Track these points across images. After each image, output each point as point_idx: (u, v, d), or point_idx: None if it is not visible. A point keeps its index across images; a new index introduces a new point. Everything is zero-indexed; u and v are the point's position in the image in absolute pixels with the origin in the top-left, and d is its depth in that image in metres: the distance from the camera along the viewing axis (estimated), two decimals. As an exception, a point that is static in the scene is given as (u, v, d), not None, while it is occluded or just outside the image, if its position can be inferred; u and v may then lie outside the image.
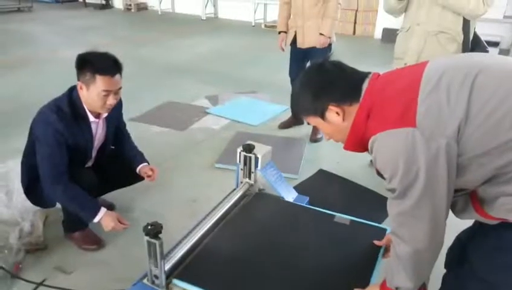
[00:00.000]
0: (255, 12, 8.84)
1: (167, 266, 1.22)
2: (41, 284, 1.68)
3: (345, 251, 1.37)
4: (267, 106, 3.88)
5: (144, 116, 3.57)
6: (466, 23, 2.21)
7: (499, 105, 0.91)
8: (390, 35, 7.08)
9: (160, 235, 1.12)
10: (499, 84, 0.93)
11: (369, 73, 1.11)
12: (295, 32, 3.04)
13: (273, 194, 1.76)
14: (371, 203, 2.33)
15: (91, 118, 1.79)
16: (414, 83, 0.98)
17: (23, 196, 2.10)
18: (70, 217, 1.88)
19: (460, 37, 2.24)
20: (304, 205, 1.70)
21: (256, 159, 1.67)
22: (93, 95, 1.67)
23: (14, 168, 2.34)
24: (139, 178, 2.06)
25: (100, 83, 1.64)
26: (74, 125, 1.73)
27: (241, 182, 1.75)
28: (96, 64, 1.64)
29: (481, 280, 1.05)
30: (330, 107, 1.09)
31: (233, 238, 1.43)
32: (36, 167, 1.74)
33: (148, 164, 2.05)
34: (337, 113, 1.09)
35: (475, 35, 2.31)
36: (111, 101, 1.70)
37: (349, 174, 2.65)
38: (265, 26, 8.48)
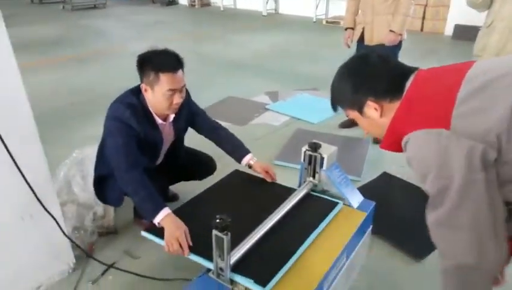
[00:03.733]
0: (316, 7, 8.70)
1: (232, 260, 1.24)
2: (111, 266, 1.79)
3: (296, 216, 1.57)
4: (328, 104, 3.79)
5: (206, 110, 3.63)
6: None
7: None
8: (463, 32, 6.59)
9: (228, 230, 1.14)
10: None
11: (416, 69, 1.04)
12: (363, 28, 2.93)
13: (246, 172, 1.91)
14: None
15: (158, 120, 1.76)
16: (455, 83, 0.91)
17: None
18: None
19: None
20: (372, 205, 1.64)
21: (322, 158, 1.62)
22: (158, 96, 1.63)
23: (89, 154, 2.52)
24: (209, 173, 2.11)
25: (165, 81, 1.59)
26: (145, 125, 1.71)
27: (305, 181, 1.72)
28: (158, 61, 1.60)
29: None
30: (369, 102, 1.04)
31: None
32: (108, 164, 1.69)
33: (250, 151, 1.93)
34: (375, 109, 1.04)
35: None
36: (177, 100, 1.66)
37: (414, 179, 2.51)
38: (327, 22, 8.31)
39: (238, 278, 1.24)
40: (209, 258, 1.26)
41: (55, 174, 2.20)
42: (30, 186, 1.45)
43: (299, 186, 1.74)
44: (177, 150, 2.03)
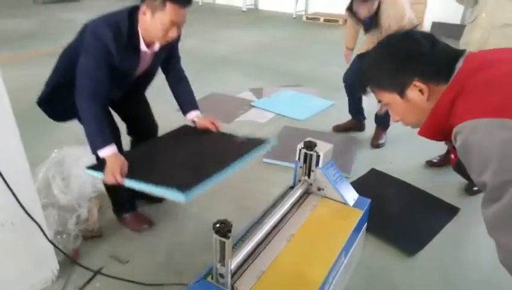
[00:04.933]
0: (296, 3, 8.69)
1: (232, 265, 1.19)
2: (98, 272, 1.70)
3: (226, 153, 1.66)
4: (313, 100, 3.78)
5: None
6: None
7: None
8: (440, 29, 6.75)
9: (229, 234, 1.09)
10: None
11: (464, 51, 0.98)
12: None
13: (192, 126, 1.92)
14: (429, 206, 2.21)
15: (143, 47, 1.66)
16: None
17: (80, 181, 2.16)
18: (117, 202, 1.98)
19: None
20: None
21: (318, 157, 1.59)
22: (156, 23, 1.55)
23: (70, 153, 2.40)
24: (150, 129, 2.05)
25: (169, 12, 1.52)
26: (125, 51, 1.61)
27: (300, 181, 1.68)
28: None
29: None
30: (415, 82, 0.97)
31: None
32: (68, 75, 1.63)
33: (198, 109, 1.92)
34: (420, 91, 0.97)
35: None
36: (173, 33, 1.60)
37: (402, 175, 2.52)
38: (307, 18, 8.31)
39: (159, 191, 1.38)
40: (141, 179, 1.46)
41: (33, 175, 2.08)
42: (12, 191, 1.35)
43: (294, 185, 1.70)
44: (142, 85, 1.94)
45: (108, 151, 1.55)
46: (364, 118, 3.13)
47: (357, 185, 2.36)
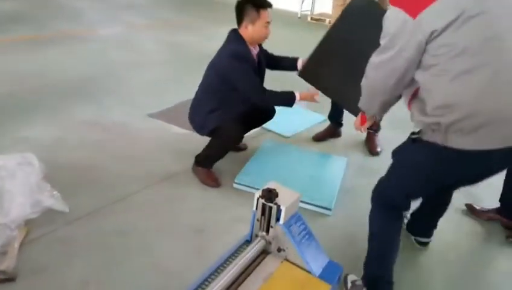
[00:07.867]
0: (302, 2, 8.28)
1: None
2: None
3: None
4: (304, 114, 3.41)
5: (165, 113, 3.21)
6: None
7: None
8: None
9: None
10: None
11: None
12: None
13: None
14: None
15: (253, 50, 2.27)
16: None
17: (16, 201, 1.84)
18: (207, 154, 2.30)
19: None
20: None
21: (279, 210, 1.25)
22: (258, 28, 2.17)
23: (5, 164, 2.06)
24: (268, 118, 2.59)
25: (264, 16, 2.15)
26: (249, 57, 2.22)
27: (256, 236, 1.33)
28: (257, 1, 2.14)
29: None
30: None
31: None
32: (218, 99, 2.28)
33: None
34: None
35: None
36: (268, 30, 2.23)
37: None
38: (312, 18, 7.92)
39: None
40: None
41: None
42: None
43: (250, 240, 1.35)
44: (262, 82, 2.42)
45: (298, 94, 2.23)
46: (341, 125, 3.03)
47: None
